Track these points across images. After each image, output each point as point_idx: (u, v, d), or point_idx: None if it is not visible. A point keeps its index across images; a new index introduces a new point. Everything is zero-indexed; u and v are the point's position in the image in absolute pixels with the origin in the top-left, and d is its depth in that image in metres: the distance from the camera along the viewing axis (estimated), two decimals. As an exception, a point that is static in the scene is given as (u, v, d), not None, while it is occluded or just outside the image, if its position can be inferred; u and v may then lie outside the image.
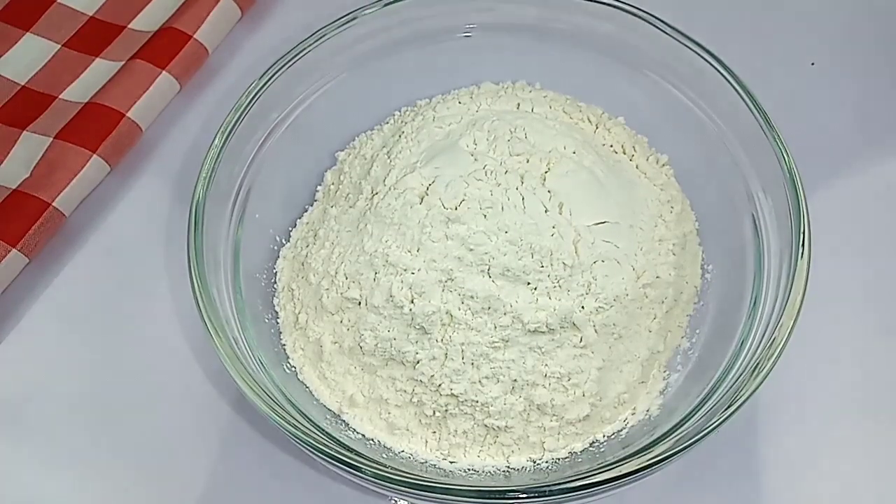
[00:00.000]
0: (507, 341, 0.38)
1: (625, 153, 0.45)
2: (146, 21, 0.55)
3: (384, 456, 0.39)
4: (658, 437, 0.36)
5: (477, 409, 0.38)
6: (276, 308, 0.43)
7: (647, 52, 0.44)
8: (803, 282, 0.36)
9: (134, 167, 0.51)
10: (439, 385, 0.38)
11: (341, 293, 0.40)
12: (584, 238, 0.39)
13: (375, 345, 0.39)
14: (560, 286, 0.38)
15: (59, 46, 0.55)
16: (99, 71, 0.53)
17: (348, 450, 0.35)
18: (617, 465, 0.34)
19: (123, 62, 0.52)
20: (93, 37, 0.55)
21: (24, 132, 0.50)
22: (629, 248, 0.40)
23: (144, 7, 0.56)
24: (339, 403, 0.40)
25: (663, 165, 0.45)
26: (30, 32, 0.55)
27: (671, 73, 0.44)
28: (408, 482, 0.34)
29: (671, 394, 0.40)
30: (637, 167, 0.45)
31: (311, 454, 0.35)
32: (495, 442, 0.39)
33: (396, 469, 0.35)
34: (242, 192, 0.43)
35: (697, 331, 0.42)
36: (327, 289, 0.41)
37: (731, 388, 0.36)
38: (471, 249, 0.38)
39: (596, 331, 0.38)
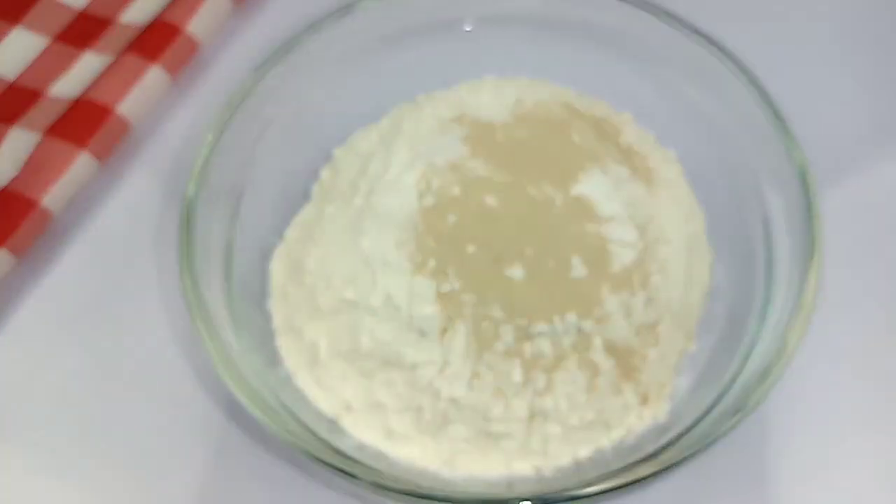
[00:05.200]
0: (509, 345, 0.37)
1: (631, 149, 0.44)
2: (136, 14, 0.54)
3: (382, 463, 0.38)
4: (665, 444, 0.36)
5: (478, 414, 0.37)
6: (270, 310, 0.42)
7: (655, 45, 0.44)
8: (815, 285, 0.35)
9: (124, 164, 0.50)
10: (439, 390, 0.37)
11: (337, 294, 0.39)
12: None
13: (372, 348, 0.38)
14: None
15: (47, 41, 0.54)
16: (88, 66, 0.52)
17: (344, 457, 0.35)
18: (623, 472, 0.34)
19: (113, 56, 0.51)
20: (81, 31, 0.54)
21: (12, 129, 0.50)
22: (636, 248, 0.40)
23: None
24: (334, 408, 0.39)
25: (671, 163, 0.44)
26: (17, 27, 0.54)
27: (680, 67, 0.44)
28: (406, 490, 0.33)
29: (678, 399, 0.39)
30: (644, 164, 0.44)
31: (305, 461, 0.34)
32: (497, 448, 0.38)
33: (395, 477, 0.34)
34: (236, 190, 0.42)
35: (705, 334, 0.41)
36: (323, 290, 0.40)
37: (739, 393, 0.35)
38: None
39: (602, 334, 0.38)
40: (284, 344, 0.41)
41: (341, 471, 0.33)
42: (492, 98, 0.46)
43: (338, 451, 0.35)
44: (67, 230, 0.48)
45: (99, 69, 0.51)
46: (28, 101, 0.51)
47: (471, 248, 0.38)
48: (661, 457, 0.34)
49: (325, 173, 0.46)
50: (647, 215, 0.41)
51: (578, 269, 0.38)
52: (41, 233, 0.47)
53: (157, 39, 0.51)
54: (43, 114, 0.50)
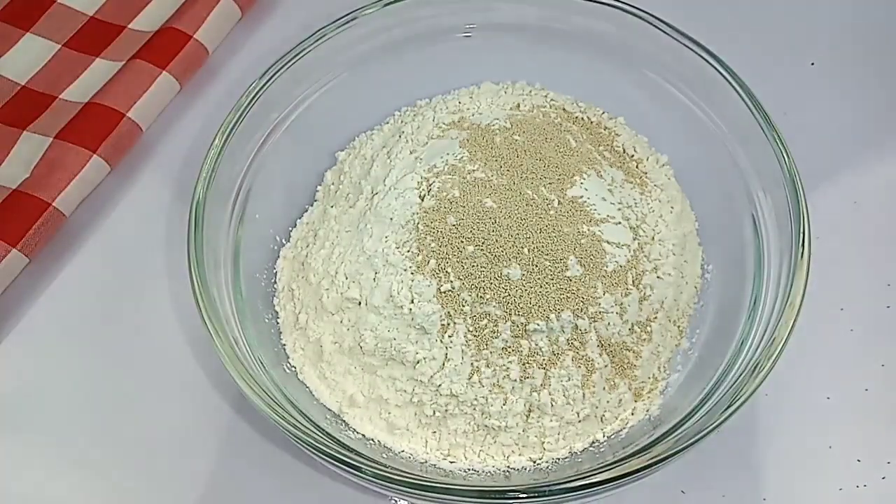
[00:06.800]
0: (507, 342, 0.38)
1: (625, 153, 0.45)
2: (146, 21, 0.55)
3: (384, 456, 0.39)
4: (658, 437, 0.36)
5: (477, 409, 0.38)
6: (276, 308, 0.43)
7: (648, 52, 0.44)
8: (803, 282, 0.36)
9: (134, 167, 0.51)
10: (439, 385, 0.38)
11: (341, 293, 0.40)
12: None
13: (375, 345, 0.39)
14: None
15: (59, 46, 0.55)
16: (99, 71, 0.53)
17: (348, 450, 0.35)
18: (617, 464, 0.34)
19: (124, 62, 0.52)
20: (93, 37, 0.55)
21: (25, 132, 0.50)
22: (630, 249, 0.40)
23: (144, 7, 0.56)
24: (339, 403, 0.40)
25: (663, 165, 0.45)
26: (30, 32, 0.55)
27: (671, 73, 0.44)
28: (408, 482, 0.34)
29: (671, 394, 0.40)
30: (637, 167, 0.45)
31: (311, 454, 0.35)
32: (495, 442, 0.39)
33: (396, 469, 0.35)
34: (242, 192, 0.43)
35: (697, 331, 0.42)
36: (327, 289, 0.41)
37: (731, 387, 0.36)
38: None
39: (597, 331, 0.38)
40: (290, 341, 0.42)
41: (345, 463, 0.34)
42: (490, 103, 0.46)
43: (342, 445, 0.36)
44: (79, 231, 0.49)
45: (109, 75, 0.52)
46: (40, 106, 0.52)
47: (470, 248, 0.38)
48: (655, 450, 0.34)
49: (329, 176, 0.46)
50: (640, 216, 0.42)
51: (574, 268, 0.38)
52: (53, 234, 0.47)
53: (166, 46, 0.52)
54: (55, 118, 0.51)
